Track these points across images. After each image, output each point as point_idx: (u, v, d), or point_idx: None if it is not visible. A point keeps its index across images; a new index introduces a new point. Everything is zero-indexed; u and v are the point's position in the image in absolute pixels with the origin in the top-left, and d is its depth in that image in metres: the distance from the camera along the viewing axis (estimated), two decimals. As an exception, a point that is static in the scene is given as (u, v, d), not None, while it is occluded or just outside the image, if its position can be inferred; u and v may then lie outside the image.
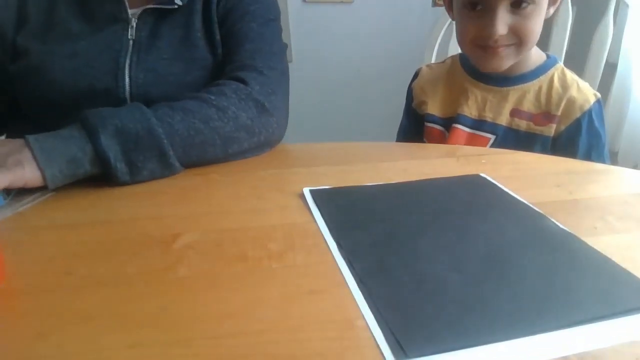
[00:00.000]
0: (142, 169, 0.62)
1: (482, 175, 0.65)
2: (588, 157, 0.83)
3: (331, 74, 2.36)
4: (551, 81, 0.85)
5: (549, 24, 1.15)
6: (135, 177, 0.62)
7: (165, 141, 0.62)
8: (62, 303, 0.40)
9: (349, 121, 2.41)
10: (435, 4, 2.35)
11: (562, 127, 0.84)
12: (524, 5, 0.76)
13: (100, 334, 0.36)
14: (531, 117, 0.85)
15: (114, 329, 0.37)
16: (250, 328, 0.37)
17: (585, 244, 0.48)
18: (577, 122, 0.83)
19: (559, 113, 0.84)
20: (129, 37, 0.79)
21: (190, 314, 0.39)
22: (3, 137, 0.90)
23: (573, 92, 0.84)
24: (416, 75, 1.00)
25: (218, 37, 0.82)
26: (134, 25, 0.79)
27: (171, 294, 0.41)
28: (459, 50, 0.91)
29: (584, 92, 0.85)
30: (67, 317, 0.38)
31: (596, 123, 0.84)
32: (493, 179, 0.64)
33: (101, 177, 0.62)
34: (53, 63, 0.76)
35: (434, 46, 1.24)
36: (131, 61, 0.77)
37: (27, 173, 0.56)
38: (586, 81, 0.89)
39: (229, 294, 0.41)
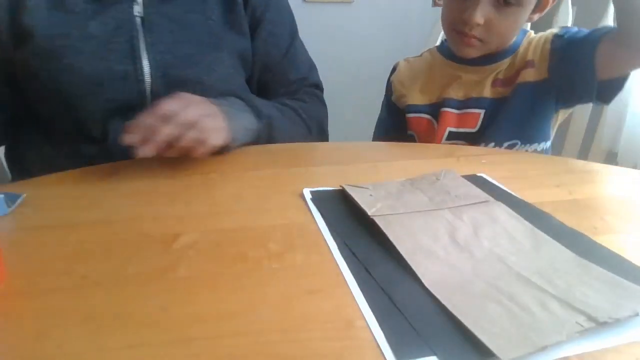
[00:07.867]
0: None
1: (482, 175, 0.65)
2: (579, 32, 0.81)
3: (331, 74, 2.34)
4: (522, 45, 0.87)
5: (549, 24, 1.15)
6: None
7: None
8: (62, 303, 0.40)
9: (348, 121, 2.40)
10: (435, 4, 2.33)
11: (545, 65, 0.83)
12: (510, 3, 0.77)
13: (100, 334, 0.36)
14: (507, 79, 0.86)
15: (114, 329, 0.37)
16: (250, 328, 0.37)
17: (594, 241, 0.49)
18: (554, 46, 0.82)
19: (530, 57, 0.84)
20: (135, 14, 0.75)
21: (190, 314, 0.39)
22: None
23: (533, 35, 0.86)
24: (394, 69, 1.01)
25: (246, 29, 0.85)
26: (140, 1, 0.76)
27: (171, 294, 0.41)
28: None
29: (544, 32, 0.86)
30: (67, 317, 0.38)
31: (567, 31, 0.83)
32: (493, 179, 0.64)
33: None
34: (66, 47, 0.72)
35: (434, 46, 1.23)
36: (146, 43, 0.75)
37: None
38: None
39: (229, 294, 0.41)
